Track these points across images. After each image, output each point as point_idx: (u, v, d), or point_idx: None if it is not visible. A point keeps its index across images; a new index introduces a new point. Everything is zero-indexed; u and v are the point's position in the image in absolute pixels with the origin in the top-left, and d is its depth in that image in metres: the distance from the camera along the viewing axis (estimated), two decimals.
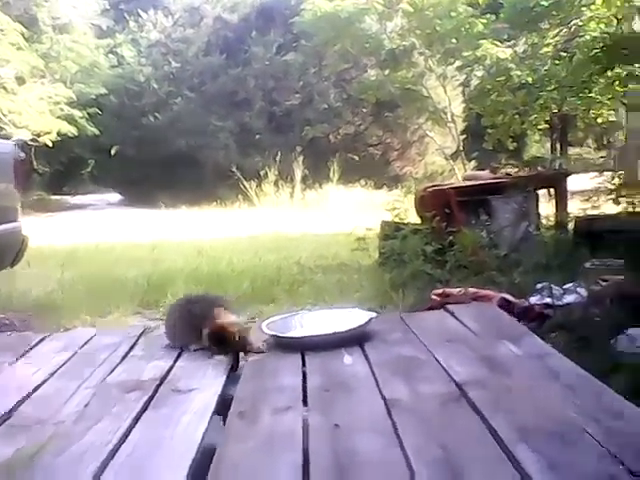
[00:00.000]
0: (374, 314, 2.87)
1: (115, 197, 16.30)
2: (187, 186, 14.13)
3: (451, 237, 6.01)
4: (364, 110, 15.64)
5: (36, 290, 5.98)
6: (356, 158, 15.51)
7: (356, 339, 2.71)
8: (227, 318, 2.68)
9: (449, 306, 3.29)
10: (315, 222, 10.37)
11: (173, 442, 1.86)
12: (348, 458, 1.70)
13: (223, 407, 2.13)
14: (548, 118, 12.30)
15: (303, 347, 2.65)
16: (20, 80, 13.74)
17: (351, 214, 10.06)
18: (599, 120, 13.10)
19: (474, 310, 3.22)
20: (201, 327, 2.65)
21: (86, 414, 2.11)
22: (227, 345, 2.58)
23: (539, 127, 13.02)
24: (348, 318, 2.85)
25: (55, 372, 2.57)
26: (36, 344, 2.99)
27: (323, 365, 2.48)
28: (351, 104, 15.42)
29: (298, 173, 13.16)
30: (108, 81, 15.60)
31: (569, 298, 4.27)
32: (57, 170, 16.03)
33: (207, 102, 15.17)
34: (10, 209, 5.26)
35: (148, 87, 15.39)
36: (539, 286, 4.49)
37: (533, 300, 4.23)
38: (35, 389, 2.38)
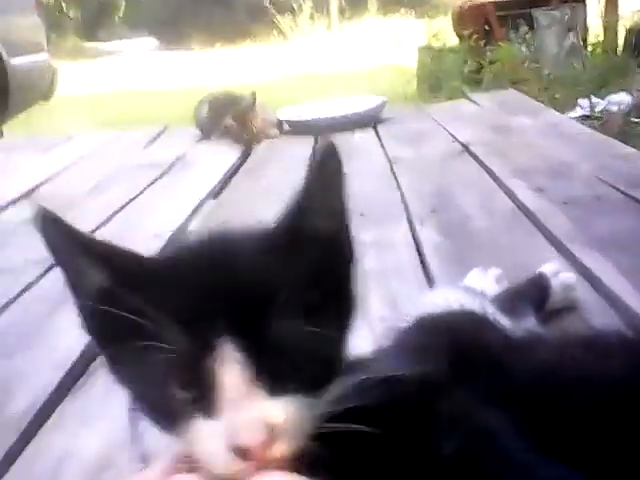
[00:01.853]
0: (385, 98, 2.84)
1: (150, 42, 16.00)
2: (221, 25, 13.72)
3: (489, 54, 5.78)
4: None
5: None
6: None
7: (369, 121, 2.71)
8: (249, 108, 2.68)
9: (471, 94, 3.24)
10: (353, 56, 10.03)
11: (176, 197, 1.96)
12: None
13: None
14: None
15: (315, 130, 2.67)
16: None
17: (391, 46, 9.66)
18: None
19: (495, 95, 3.15)
20: (225, 115, 2.68)
21: (99, 188, 2.21)
22: (245, 128, 2.61)
23: None
24: (361, 103, 2.83)
25: (74, 164, 2.66)
26: (58, 145, 3.08)
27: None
28: None
29: (334, 5, 12.56)
30: None
31: (612, 108, 4.11)
32: (89, 15, 15.71)
33: None
34: (37, 40, 5.25)
35: None
36: (580, 100, 4.33)
37: (571, 114, 4.10)
38: (54, 177, 2.47)
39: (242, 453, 0.40)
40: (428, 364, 0.58)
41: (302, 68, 9.32)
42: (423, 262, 1.26)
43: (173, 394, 0.42)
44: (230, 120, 2.63)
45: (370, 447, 0.44)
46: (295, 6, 12.65)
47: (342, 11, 13.07)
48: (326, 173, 0.47)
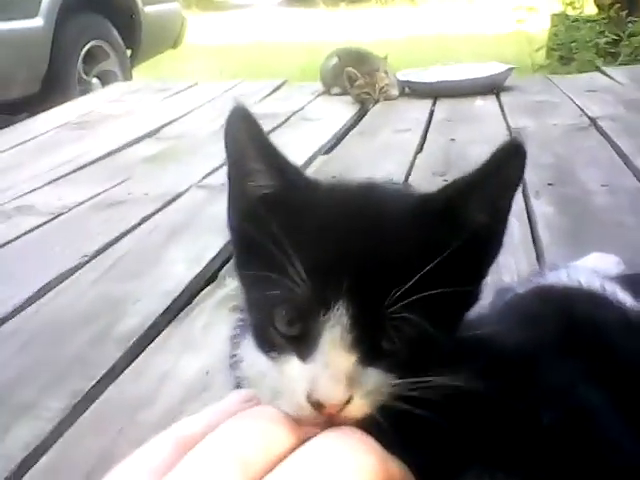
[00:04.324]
0: (513, 65, 2.73)
1: None
2: None
3: (630, 26, 5.39)
4: None
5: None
6: None
7: (492, 87, 2.62)
8: (379, 68, 2.64)
9: (605, 68, 3.05)
10: (481, 20, 9.66)
11: (288, 148, 1.98)
12: (458, 160, 1.73)
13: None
14: None
15: (436, 92, 2.61)
16: None
17: (523, 11, 9.18)
18: None
19: (631, 71, 2.94)
20: (348, 72, 2.66)
21: (218, 133, 2.27)
22: (370, 88, 2.59)
23: None
24: (485, 69, 2.73)
25: (196, 108, 2.74)
26: (183, 90, 3.18)
27: (452, 106, 2.45)
28: None
29: None
30: None
31: None
32: None
33: None
34: None
35: None
36: None
37: None
38: (177, 119, 2.56)
39: (317, 406, 0.41)
40: (539, 332, 0.57)
41: (428, 30, 9.08)
42: (534, 236, 1.21)
43: (277, 327, 0.44)
44: (361, 79, 2.59)
45: (437, 434, 0.43)
46: None
47: None
48: (507, 170, 0.44)
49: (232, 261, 0.49)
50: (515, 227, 1.27)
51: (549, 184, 1.50)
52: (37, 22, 3.30)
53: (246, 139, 0.46)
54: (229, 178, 0.48)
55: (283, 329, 0.44)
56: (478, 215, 0.45)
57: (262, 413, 0.42)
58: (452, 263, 0.43)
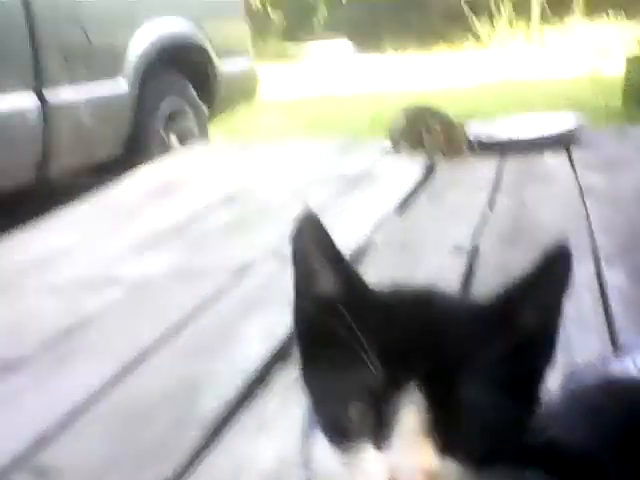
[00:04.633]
0: (584, 121, 2.70)
1: (346, 44, 16.54)
2: (415, 28, 13.79)
3: None
4: None
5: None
6: None
7: (562, 143, 2.59)
8: (456, 129, 2.67)
9: None
10: (553, 64, 9.55)
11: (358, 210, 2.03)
12: (528, 224, 1.72)
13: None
14: None
15: (505, 149, 2.61)
16: None
17: (595, 54, 9.00)
18: None
19: None
20: (421, 129, 2.71)
21: (293, 198, 2.32)
22: (445, 146, 2.62)
23: None
24: (556, 122, 2.71)
25: (269, 172, 2.83)
26: (256, 151, 3.30)
27: (522, 164, 2.44)
28: None
29: (536, 7, 12.03)
30: None
31: None
32: (291, 19, 16.48)
33: None
34: (242, 43, 5.58)
35: None
36: None
37: None
38: (251, 184, 2.65)
39: None
40: (603, 430, 0.58)
41: (498, 75, 9.03)
42: (607, 309, 1.20)
43: (351, 416, 0.45)
44: (434, 133, 2.62)
45: None
46: (494, 9, 12.29)
47: (543, 13, 12.46)
48: (556, 272, 0.47)
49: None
50: (586, 300, 1.26)
51: (622, 250, 1.48)
52: (122, 86, 3.44)
53: (315, 248, 0.50)
54: (296, 277, 0.51)
55: (357, 418, 0.45)
56: (531, 320, 0.48)
57: None
58: (512, 360, 0.46)
